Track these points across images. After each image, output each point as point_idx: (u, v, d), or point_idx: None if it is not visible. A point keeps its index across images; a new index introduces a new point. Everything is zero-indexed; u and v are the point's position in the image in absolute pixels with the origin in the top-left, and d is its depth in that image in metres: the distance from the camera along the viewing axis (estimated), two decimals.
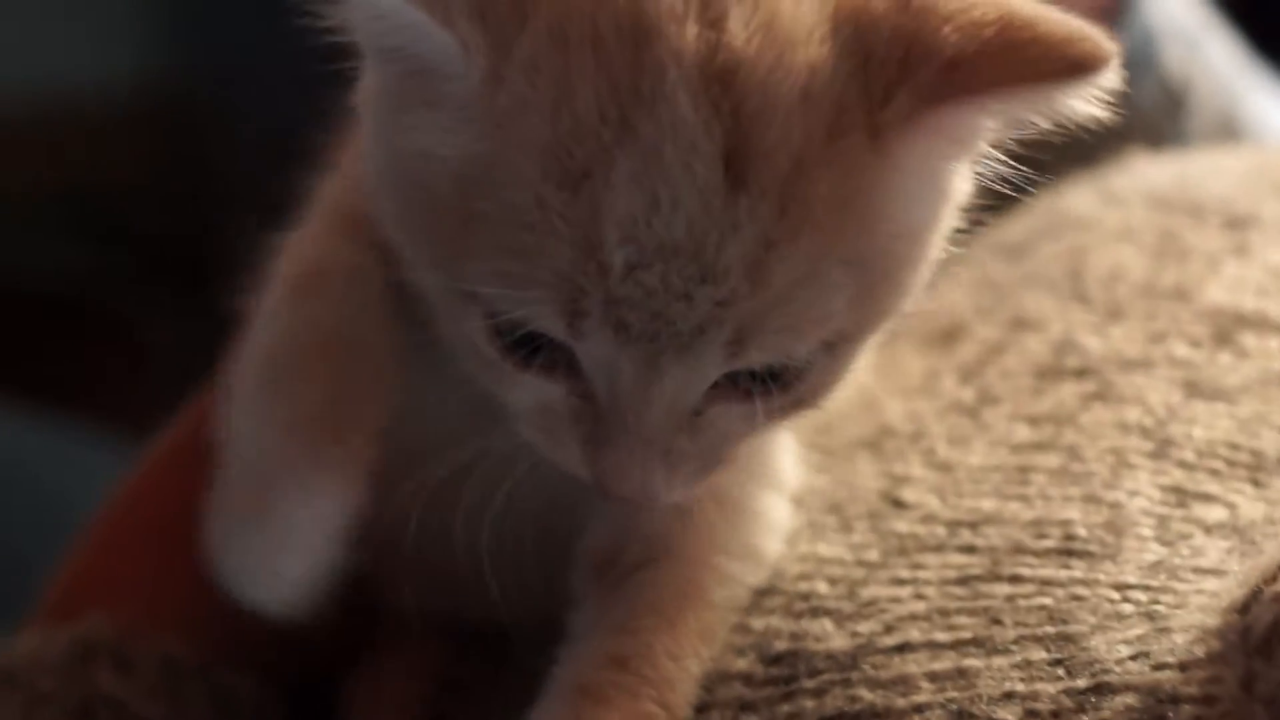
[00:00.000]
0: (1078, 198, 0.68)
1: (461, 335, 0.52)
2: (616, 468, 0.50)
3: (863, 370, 0.65)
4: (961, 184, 0.52)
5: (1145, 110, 0.77)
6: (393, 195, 0.53)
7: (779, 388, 0.50)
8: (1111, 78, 0.48)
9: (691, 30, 0.47)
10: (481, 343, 0.51)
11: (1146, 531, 0.54)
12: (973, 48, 0.47)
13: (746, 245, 0.47)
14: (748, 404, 0.50)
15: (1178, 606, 0.51)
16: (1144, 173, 0.69)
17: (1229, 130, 0.80)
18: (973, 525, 0.56)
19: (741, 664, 0.55)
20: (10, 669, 0.64)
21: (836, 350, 0.51)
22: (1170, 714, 0.48)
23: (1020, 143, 0.65)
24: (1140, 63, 0.77)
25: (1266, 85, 0.85)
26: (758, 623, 0.56)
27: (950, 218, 0.53)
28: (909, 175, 0.49)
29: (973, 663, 0.51)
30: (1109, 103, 0.49)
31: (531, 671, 0.57)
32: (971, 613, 0.53)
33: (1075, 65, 0.47)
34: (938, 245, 0.52)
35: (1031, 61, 0.47)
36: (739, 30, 0.47)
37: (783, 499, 0.60)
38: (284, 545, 0.53)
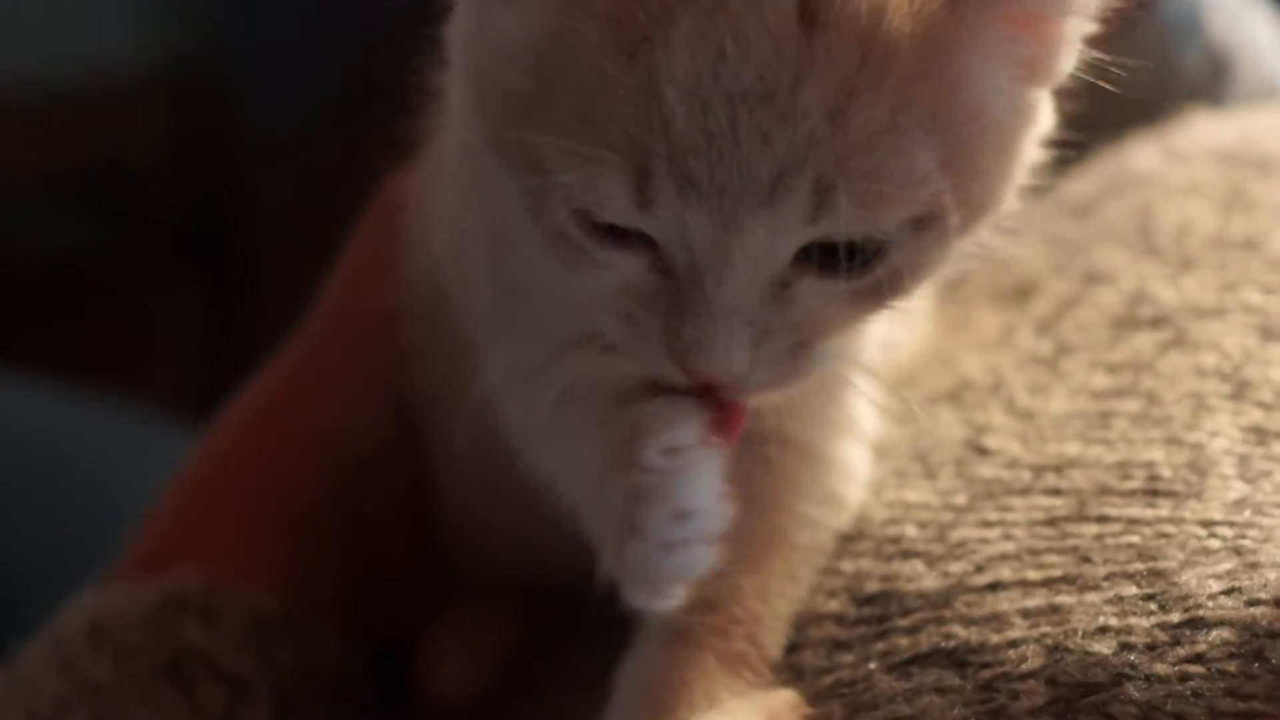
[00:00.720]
0: (1141, 155, 0.69)
1: (546, 231, 0.51)
2: (698, 341, 0.49)
3: (938, 328, 0.67)
4: (1044, 112, 0.53)
5: (1190, 75, 0.78)
6: (478, 98, 0.53)
7: (866, 265, 0.50)
8: None
9: None
10: (567, 227, 0.50)
11: (1229, 470, 0.55)
12: None
13: (825, 86, 0.47)
14: (835, 281, 0.50)
15: (1264, 540, 0.52)
16: (1205, 130, 0.70)
17: (1271, 101, 0.81)
18: (1057, 469, 0.57)
19: (834, 605, 0.56)
20: (100, 622, 0.65)
21: (925, 234, 0.50)
22: (1268, 649, 0.49)
23: (1076, 104, 0.67)
24: (1186, 29, 0.78)
25: None
26: (848, 566, 0.57)
27: (1033, 141, 0.53)
28: (987, 56, 0.50)
29: (1065, 599, 0.53)
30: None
31: (608, 627, 0.58)
32: (1061, 551, 0.54)
33: None
34: (1022, 161, 0.52)
35: None
36: None
37: (861, 447, 0.61)
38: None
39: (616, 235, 0.50)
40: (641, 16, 0.48)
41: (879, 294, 0.51)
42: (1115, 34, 0.76)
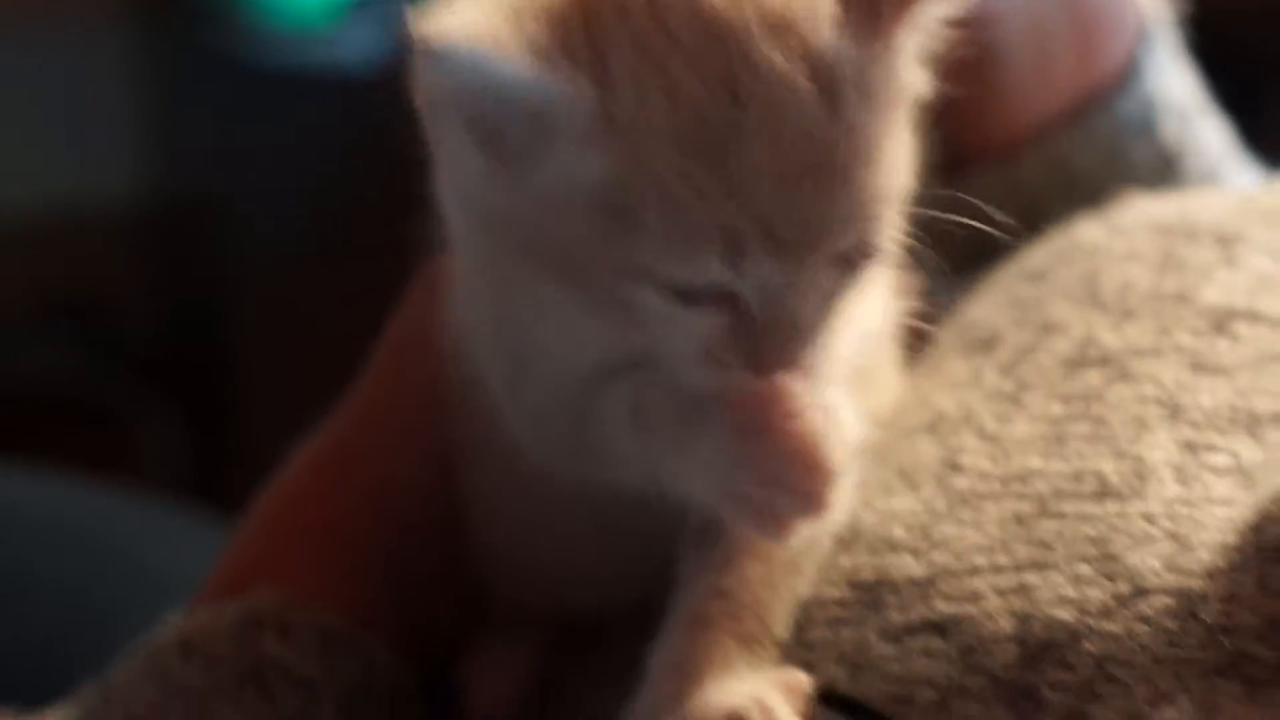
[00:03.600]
0: (1088, 231, 0.80)
1: (625, 318, 0.61)
2: (782, 356, 0.61)
3: (914, 375, 0.77)
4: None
5: (1141, 170, 0.89)
6: (529, 251, 0.62)
7: (867, 249, 0.62)
8: None
9: (747, 7, 0.59)
10: (659, 306, 0.60)
11: (1166, 475, 0.65)
12: None
13: (856, 146, 0.59)
14: (851, 267, 0.62)
15: (1196, 529, 0.62)
16: (1145, 207, 0.81)
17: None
18: (1022, 479, 0.67)
19: (835, 592, 0.66)
20: (190, 637, 0.74)
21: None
22: (1199, 608, 0.59)
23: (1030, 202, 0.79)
24: (1140, 126, 0.88)
25: (1249, 169, 0.96)
26: (846, 561, 0.67)
27: None
28: (899, 58, 0.62)
29: (1031, 579, 0.62)
30: None
31: (632, 636, 0.68)
32: (1027, 542, 0.64)
33: None
34: None
35: None
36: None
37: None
38: None
39: (698, 297, 0.61)
40: (709, 126, 0.59)
41: (868, 264, 0.63)
42: (1073, 128, 0.87)
